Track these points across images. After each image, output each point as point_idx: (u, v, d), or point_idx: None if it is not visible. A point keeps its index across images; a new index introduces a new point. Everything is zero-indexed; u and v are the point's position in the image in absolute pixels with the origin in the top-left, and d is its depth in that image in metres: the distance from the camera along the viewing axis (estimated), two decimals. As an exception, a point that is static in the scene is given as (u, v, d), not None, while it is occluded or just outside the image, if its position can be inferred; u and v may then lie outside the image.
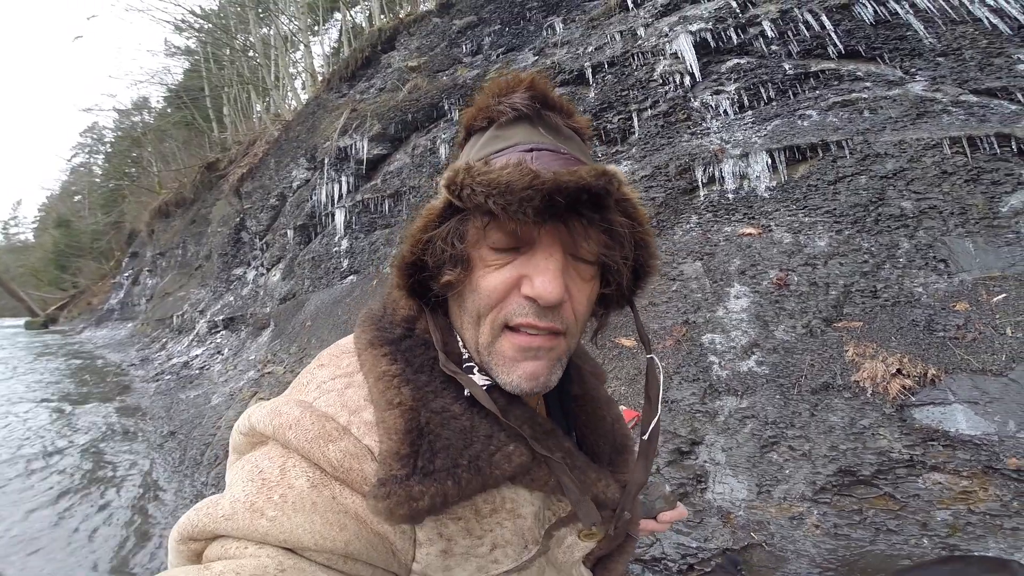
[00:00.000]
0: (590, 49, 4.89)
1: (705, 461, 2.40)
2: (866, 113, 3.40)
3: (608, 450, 0.64)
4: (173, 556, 0.46)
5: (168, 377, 7.89)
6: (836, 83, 3.67)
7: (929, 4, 3.56)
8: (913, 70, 3.47)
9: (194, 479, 4.34)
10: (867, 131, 3.27)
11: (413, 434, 0.46)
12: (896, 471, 2.00)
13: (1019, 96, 3.04)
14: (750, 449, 2.34)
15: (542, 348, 0.50)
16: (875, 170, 3.08)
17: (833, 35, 3.78)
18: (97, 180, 33.97)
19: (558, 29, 5.46)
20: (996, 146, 2.78)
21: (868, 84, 3.55)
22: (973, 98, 3.15)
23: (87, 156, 37.11)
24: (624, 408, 2.87)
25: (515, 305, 0.49)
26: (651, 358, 0.63)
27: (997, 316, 2.26)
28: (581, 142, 0.59)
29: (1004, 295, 2.33)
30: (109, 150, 32.75)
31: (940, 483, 1.92)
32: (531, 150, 0.51)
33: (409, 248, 0.52)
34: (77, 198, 37.44)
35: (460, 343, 0.54)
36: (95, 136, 35.27)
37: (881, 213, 2.92)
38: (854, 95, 3.54)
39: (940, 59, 3.41)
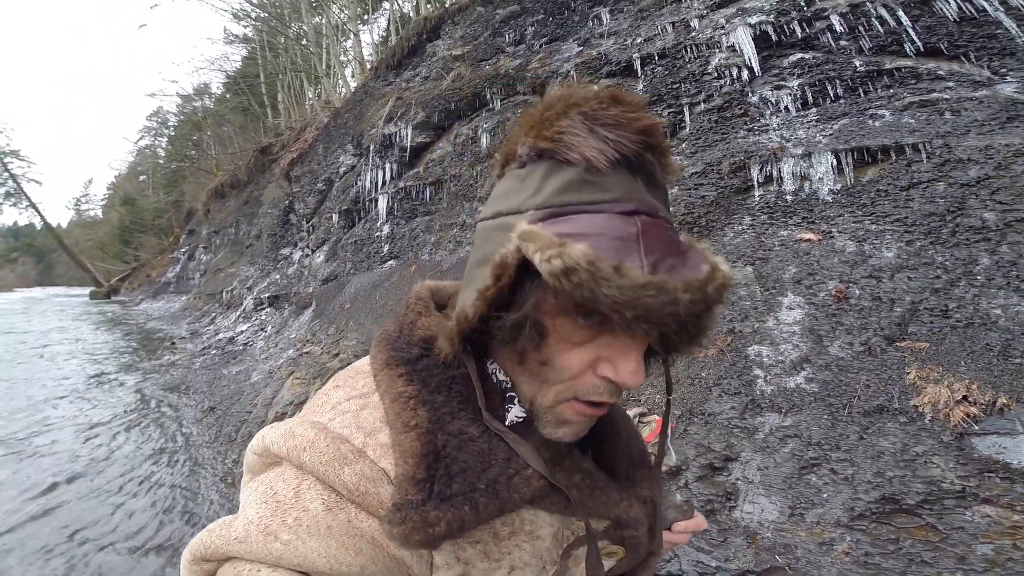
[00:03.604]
0: (639, 40, 4.79)
1: (738, 479, 2.34)
2: (947, 115, 3.16)
3: (625, 465, 0.63)
4: None
5: (214, 352, 8.42)
6: (913, 82, 3.43)
7: (1021, 1, 3.27)
8: (1003, 70, 3.20)
9: (226, 456, 4.58)
10: (948, 134, 3.04)
11: (429, 458, 0.46)
12: (944, 502, 1.89)
13: None
14: (788, 469, 2.26)
15: (597, 415, 0.51)
16: (955, 177, 2.87)
17: (911, 31, 3.54)
18: (160, 161, 36.46)
19: (605, 19, 5.37)
20: (1102, 154, 2.52)
21: (950, 84, 3.30)
22: (1077, 101, 2.88)
23: (152, 139, 40.06)
24: (656, 418, 2.83)
25: (590, 385, 0.48)
26: (669, 399, 0.62)
27: (1085, 344, 2.06)
28: (667, 191, 0.53)
29: (1096, 322, 2.12)
30: (172, 133, 35.12)
31: (989, 516, 1.80)
32: (632, 213, 0.44)
33: (479, 312, 0.46)
34: (142, 178, 40.33)
35: (496, 370, 0.53)
36: (159, 120, 37.93)
37: (959, 224, 2.72)
38: (934, 95, 3.30)
39: (1035, 59, 3.13)
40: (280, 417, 4.83)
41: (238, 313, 10.09)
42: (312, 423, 0.50)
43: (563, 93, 0.49)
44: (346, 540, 0.44)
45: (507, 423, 0.51)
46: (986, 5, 3.37)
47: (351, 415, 0.51)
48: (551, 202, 0.46)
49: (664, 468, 2.47)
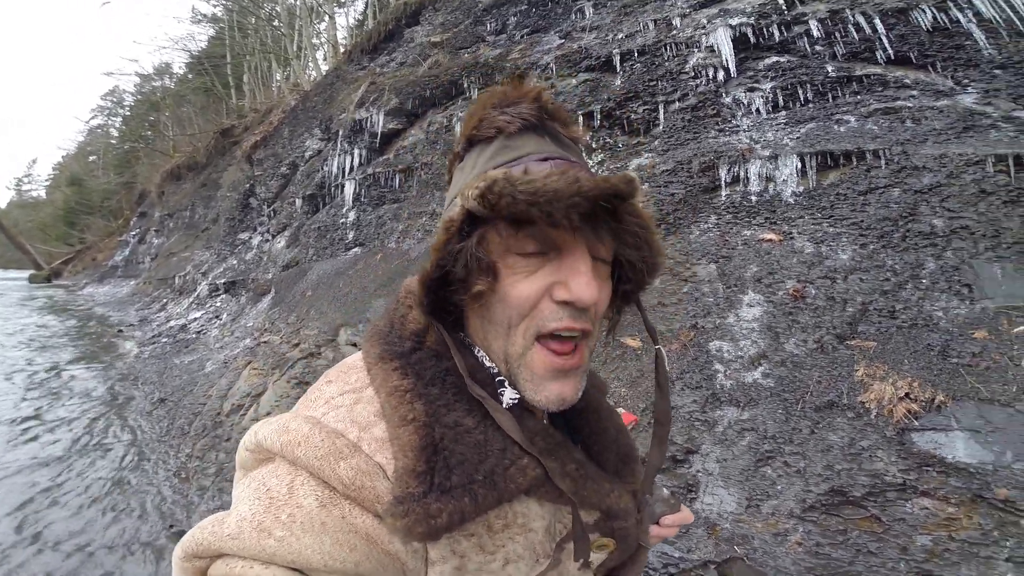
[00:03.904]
0: (620, 36, 4.87)
1: (698, 471, 2.43)
2: (908, 123, 3.34)
3: (614, 460, 0.66)
4: (177, 573, 0.47)
5: (164, 340, 8.13)
6: (880, 89, 3.60)
7: (995, 14, 3.43)
8: (966, 81, 3.38)
9: (179, 450, 4.44)
10: (907, 142, 3.21)
11: (428, 451, 0.47)
12: (887, 494, 2.01)
13: (1076, 116, 2.95)
14: (745, 462, 2.36)
15: (571, 369, 0.53)
16: (910, 183, 3.03)
17: (884, 39, 3.68)
18: (113, 142, 35.07)
19: (588, 13, 5.43)
20: (1043, 167, 2.71)
21: (915, 92, 3.47)
22: (1025, 114, 3.07)
23: (106, 118, 38.35)
24: (622, 411, 2.89)
25: (548, 312, 0.51)
26: (659, 349, 0.67)
27: (1015, 347, 2.22)
28: (579, 150, 0.62)
29: (1027, 325, 2.29)
30: (127, 113, 33.77)
31: (927, 508, 1.93)
32: (546, 159, 0.54)
33: (434, 262, 0.53)
34: (92, 158, 38.65)
35: (483, 356, 0.56)
36: (115, 99, 36.39)
37: (910, 229, 2.88)
38: (898, 103, 3.46)
39: (997, 71, 3.31)
40: (236, 409, 4.72)
41: (191, 299, 9.76)
42: (306, 418, 0.51)
43: (480, 97, 0.61)
44: (340, 536, 0.44)
45: (504, 406, 0.53)
46: (960, 16, 3.52)
47: (345, 410, 0.52)
48: (483, 168, 0.55)
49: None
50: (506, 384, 0.55)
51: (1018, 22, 3.36)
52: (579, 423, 0.67)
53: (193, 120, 19.36)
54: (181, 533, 3.24)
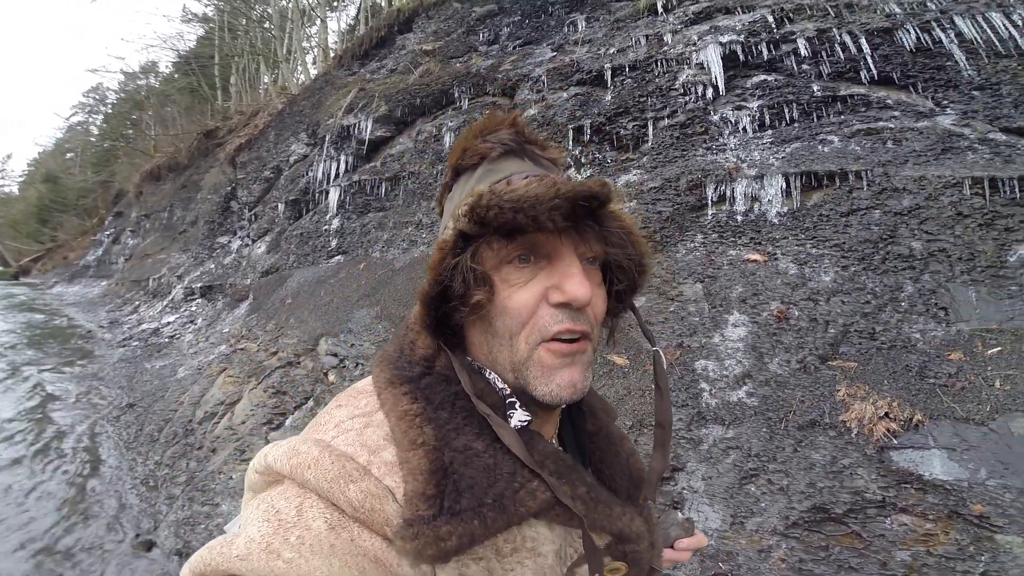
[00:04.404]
0: (612, 50, 4.95)
1: (684, 488, 2.44)
2: (890, 144, 3.43)
3: (625, 484, 0.67)
4: None
5: (136, 344, 7.93)
6: (863, 109, 3.69)
7: (976, 35, 3.54)
8: (945, 102, 3.47)
9: (148, 457, 4.33)
10: (888, 163, 3.29)
11: (438, 474, 0.48)
12: (867, 511, 2.05)
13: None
14: (730, 480, 2.37)
15: (577, 353, 0.55)
16: (890, 205, 3.11)
17: (869, 59, 3.78)
18: (92, 139, 34.28)
19: (580, 26, 5.52)
20: (1017, 190, 2.80)
21: (896, 113, 3.56)
22: (1001, 136, 3.17)
23: (86, 115, 37.49)
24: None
25: (548, 317, 0.54)
26: (656, 351, 0.68)
27: (989, 368, 2.30)
28: (558, 171, 0.66)
29: (999, 348, 2.37)
30: (109, 111, 33.11)
31: (906, 524, 1.97)
32: (526, 177, 0.56)
33: (432, 280, 0.56)
34: (69, 155, 37.76)
35: (495, 379, 0.58)
36: (97, 97, 35.62)
37: (890, 252, 2.95)
38: (880, 124, 3.56)
39: (975, 92, 3.41)
40: (209, 417, 4.60)
41: (165, 303, 9.56)
42: (316, 441, 0.52)
43: (463, 132, 0.66)
44: (349, 559, 0.45)
45: (513, 427, 0.54)
46: (943, 36, 3.63)
47: (355, 433, 0.53)
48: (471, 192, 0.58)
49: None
50: (516, 406, 0.56)
51: (997, 43, 3.45)
52: (590, 447, 0.68)
53: (177, 120, 19.08)
54: (148, 543, 3.15)
